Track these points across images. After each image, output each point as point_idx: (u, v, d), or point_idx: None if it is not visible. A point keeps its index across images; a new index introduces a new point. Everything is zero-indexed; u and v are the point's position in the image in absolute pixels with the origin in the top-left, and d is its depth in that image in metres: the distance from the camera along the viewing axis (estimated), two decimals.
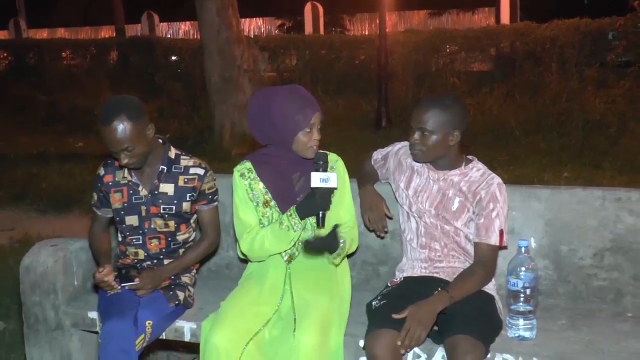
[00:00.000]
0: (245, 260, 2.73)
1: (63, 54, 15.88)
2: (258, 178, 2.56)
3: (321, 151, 2.53)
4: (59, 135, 10.38)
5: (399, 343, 2.24)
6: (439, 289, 2.38)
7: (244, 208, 2.57)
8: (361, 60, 12.79)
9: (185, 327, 2.69)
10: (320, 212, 2.43)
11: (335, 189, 2.42)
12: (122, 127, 2.49)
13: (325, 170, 2.43)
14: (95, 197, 2.81)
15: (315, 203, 2.42)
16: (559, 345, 2.36)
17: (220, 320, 2.40)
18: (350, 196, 2.66)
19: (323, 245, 2.45)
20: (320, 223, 2.45)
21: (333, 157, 2.61)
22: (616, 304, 2.68)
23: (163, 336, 2.70)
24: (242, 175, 2.58)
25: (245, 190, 2.56)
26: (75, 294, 2.91)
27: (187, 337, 2.70)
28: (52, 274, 2.83)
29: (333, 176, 2.40)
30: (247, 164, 2.60)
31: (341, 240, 2.43)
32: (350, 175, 2.71)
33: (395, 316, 2.29)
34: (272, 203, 2.55)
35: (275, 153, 2.55)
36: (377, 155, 2.84)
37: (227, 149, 8.37)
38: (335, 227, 2.43)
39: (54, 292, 2.84)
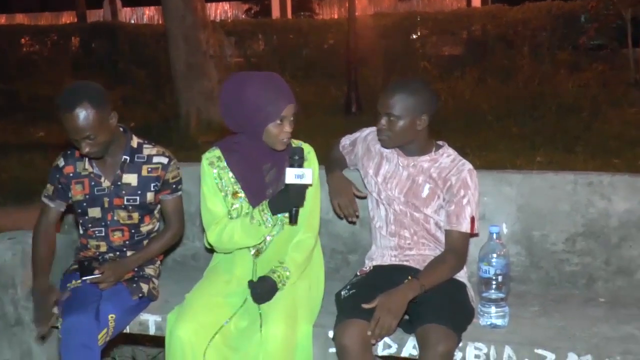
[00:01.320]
0: (211, 251, 2.66)
1: (22, 40, 15.52)
2: (227, 167, 2.47)
3: (297, 145, 2.46)
4: (19, 124, 10.15)
5: (369, 333, 2.20)
6: (410, 277, 2.34)
7: (212, 198, 2.48)
8: (330, 45, 12.75)
9: (150, 320, 2.62)
10: (294, 208, 2.37)
11: (310, 185, 2.36)
12: (84, 114, 2.41)
13: (300, 165, 2.35)
14: (51, 189, 2.70)
15: (289, 199, 2.35)
16: (531, 332, 2.34)
17: (185, 312, 2.33)
18: (319, 197, 2.56)
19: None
20: (293, 219, 2.39)
21: (306, 149, 2.50)
22: (588, 289, 2.68)
23: (127, 330, 2.63)
24: (211, 163, 2.48)
25: (214, 180, 2.47)
26: None
27: (152, 331, 2.63)
28: (11, 267, 2.76)
29: (308, 172, 2.32)
30: (217, 152, 2.50)
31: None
32: (320, 163, 2.64)
33: (365, 306, 2.25)
34: (241, 194, 2.47)
35: (246, 142, 2.44)
36: (345, 141, 2.79)
37: (193, 136, 8.27)
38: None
39: (12, 287, 2.76)
